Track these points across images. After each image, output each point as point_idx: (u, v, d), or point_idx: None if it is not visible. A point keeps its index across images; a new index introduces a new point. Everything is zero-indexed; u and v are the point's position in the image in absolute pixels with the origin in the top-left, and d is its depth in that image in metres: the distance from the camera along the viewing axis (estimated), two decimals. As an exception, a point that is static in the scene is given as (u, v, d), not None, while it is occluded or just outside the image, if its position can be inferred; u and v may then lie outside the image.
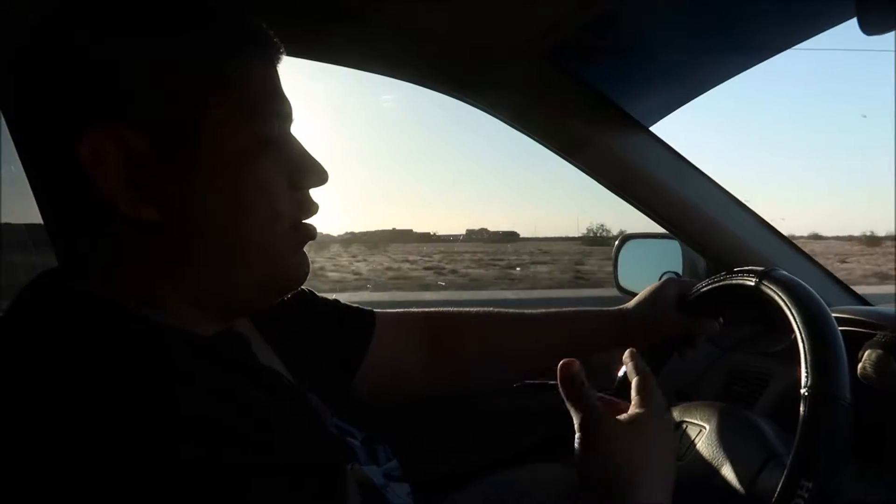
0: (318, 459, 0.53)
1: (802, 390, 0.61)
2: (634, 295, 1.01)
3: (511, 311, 1.01)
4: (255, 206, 0.56)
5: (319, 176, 0.62)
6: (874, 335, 0.72)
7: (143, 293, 0.55)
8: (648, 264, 1.40)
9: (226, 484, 0.42)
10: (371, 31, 0.98)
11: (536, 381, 1.29)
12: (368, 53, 1.05)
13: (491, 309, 1.00)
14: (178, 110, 0.53)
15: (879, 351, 0.66)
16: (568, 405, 0.63)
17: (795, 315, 0.67)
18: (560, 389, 0.63)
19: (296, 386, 0.66)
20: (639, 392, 0.65)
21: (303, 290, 0.87)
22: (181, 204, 0.53)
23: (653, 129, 1.21)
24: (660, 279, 1.09)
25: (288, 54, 0.62)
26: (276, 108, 0.58)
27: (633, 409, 0.63)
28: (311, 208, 0.62)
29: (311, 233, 0.62)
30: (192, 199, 0.54)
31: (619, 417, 0.62)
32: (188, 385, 0.47)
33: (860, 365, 0.66)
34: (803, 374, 0.62)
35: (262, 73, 0.58)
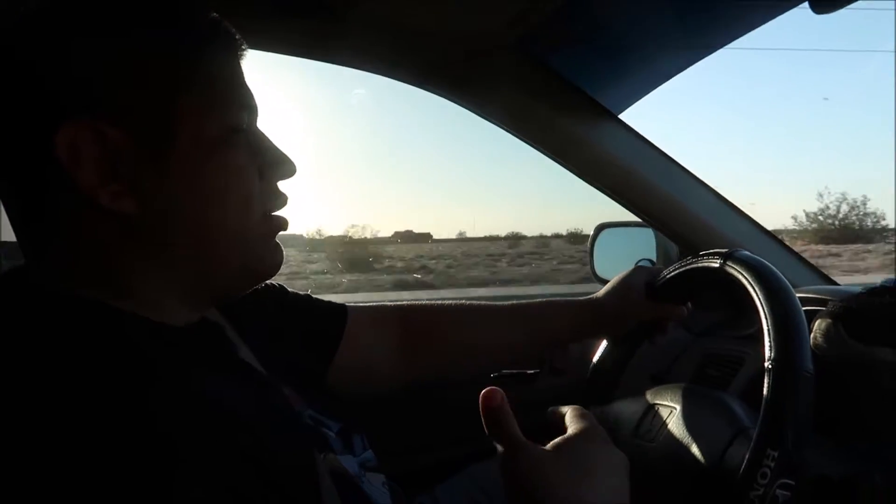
0: (287, 449, 0.53)
1: (766, 363, 0.63)
2: None
3: (484, 303, 1.01)
4: (229, 192, 0.57)
5: (287, 168, 0.64)
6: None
7: (116, 286, 0.55)
8: (623, 252, 1.42)
9: (191, 473, 0.42)
10: (339, 22, 0.98)
11: (514, 371, 1.31)
12: (336, 45, 1.05)
13: (464, 301, 1.01)
14: (151, 101, 0.54)
15: (829, 320, 0.68)
16: (492, 438, 0.60)
17: (758, 292, 0.68)
18: (483, 420, 0.59)
19: (268, 377, 0.66)
20: (569, 420, 0.64)
21: (274, 284, 0.87)
22: (158, 193, 0.54)
23: (622, 116, 1.22)
24: (634, 266, 1.11)
25: (253, 48, 0.63)
26: (243, 100, 0.60)
27: (561, 437, 0.61)
28: (281, 199, 0.64)
29: (282, 223, 0.64)
30: (168, 188, 0.55)
31: (544, 447, 0.59)
32: (157, 377, 0.47)
33: (811, 335, 0.68)
34: (767, 348, 0.63)
35: (228, 67, 0.60)
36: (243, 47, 0.62)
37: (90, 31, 0.53)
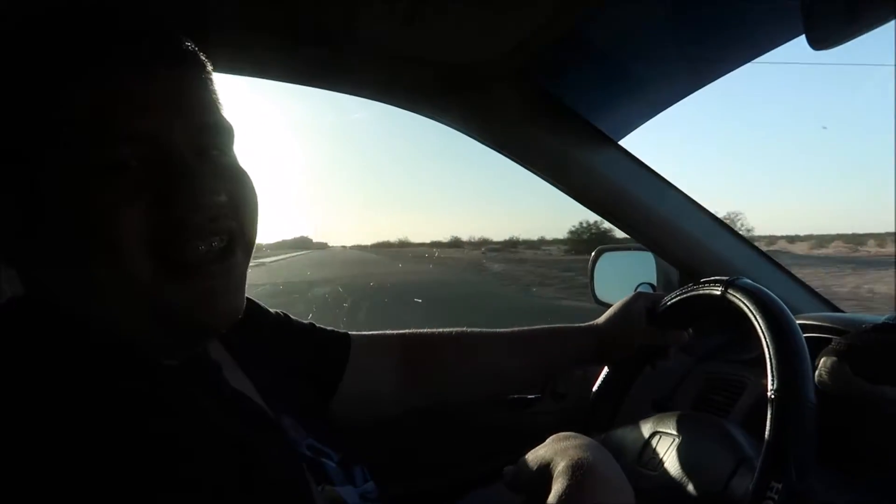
0: (273, 478, 0.53)
1: (769, 394, 0.63)
2: (611, 307, 1.02)
3: (484, 330, 1.01)
4: (103, 238, 0.50)
5: (191, 194, 0.52)
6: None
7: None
8: (624, 276, 1.42)
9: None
10: (340, 51, 0.99)
11: (515, 396, 1.30)
12: (336, 74, 1.06)
13: (465, 329, 1.01)
14: (15, 156, 0.51)
15: (834, 358, 0.68)
16: None
17: (760, 321, 0.68)
18: None
19: (263, 408, 0.66)
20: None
21: (277, 313, 0.87)
22: (49, 253, 0.52)
23: (622, 142, 1.23)
24: (635, 290, 1.11)
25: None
26: (131, 124, 0.51)
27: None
28: (183, 230, 0.52)
29: (182, 258, 0.53)
30: (55, 246, 0.52)
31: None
32: (141, 407, 0.48)
33: (816, 372, 0.68)
34: (769, 379, 0.63)
35: (110, 91, 0.51)
36: (159, 59, 0.53)
37: None
